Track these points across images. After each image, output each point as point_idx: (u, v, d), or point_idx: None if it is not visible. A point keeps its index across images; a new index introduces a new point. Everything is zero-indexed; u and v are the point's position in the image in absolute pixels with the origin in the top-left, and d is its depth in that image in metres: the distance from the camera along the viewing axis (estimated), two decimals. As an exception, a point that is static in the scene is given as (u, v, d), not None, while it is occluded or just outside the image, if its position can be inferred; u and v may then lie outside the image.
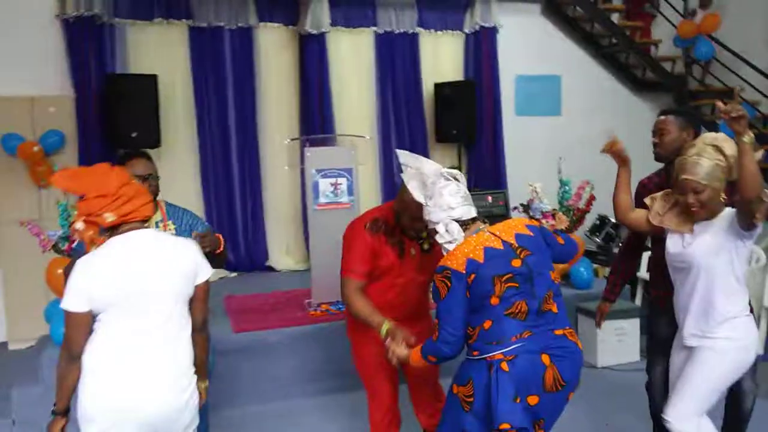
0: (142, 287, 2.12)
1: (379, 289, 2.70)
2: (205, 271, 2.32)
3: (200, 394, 2.32)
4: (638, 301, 5.75)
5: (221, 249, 2.91)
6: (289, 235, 6.85)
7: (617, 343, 4.76)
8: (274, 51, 6.80)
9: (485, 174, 7.20)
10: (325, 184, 4.81)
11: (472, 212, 2.32)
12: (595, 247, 6.61)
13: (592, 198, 5.38)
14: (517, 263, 2.20)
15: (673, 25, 7.54)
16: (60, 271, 3.69)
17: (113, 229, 2.17)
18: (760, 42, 7.49)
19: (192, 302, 2.29)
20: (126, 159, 2.83)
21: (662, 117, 2.97)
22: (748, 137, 2.26)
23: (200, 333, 2.35)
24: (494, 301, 2.17)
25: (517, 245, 2.24)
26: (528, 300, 2.18)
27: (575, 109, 7.81)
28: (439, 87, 7.08)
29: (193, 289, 2.27)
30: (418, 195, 2.40)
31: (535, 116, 7.67)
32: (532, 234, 2.31)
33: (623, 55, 8.04)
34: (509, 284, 2.17)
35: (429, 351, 2.28)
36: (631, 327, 4.81)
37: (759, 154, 2.46)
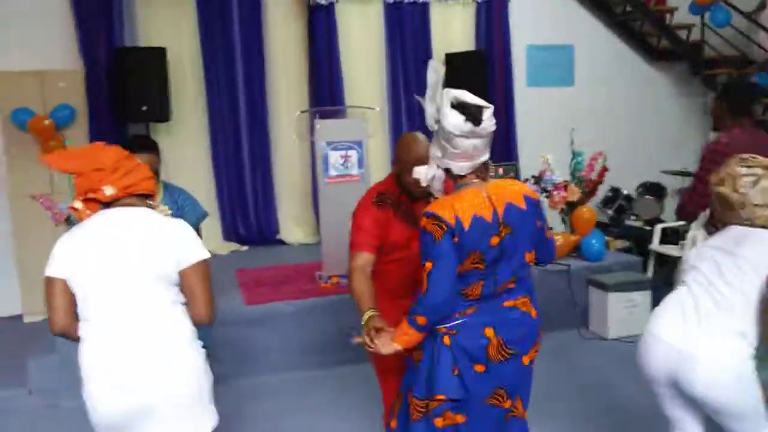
0: (115, 261, 2.01)
1: (395, 264, 2.66)
2: (194, 253, 2.10)
3: None
4: (650, 273, 5.72)
5: None
6: (299, 208, 6.85)
7: (627, 315, 4.76)
8: (283, 22, 6.73)
9: (496, 145, 7.12)
10: (335, 157, 4.79)
11: (465, 169, 2.16)
12: (607, 219, 6.58)
13: (604, 169, 5.33)
14: (494, 241, 2.10)
15: (690, -9, 7.37)
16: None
17: (112, 205, 2.09)
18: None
19: (186, 288, 2.09)
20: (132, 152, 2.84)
21: None
22: None
23: (205, 323, 2.14)
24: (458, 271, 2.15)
25: (502, 219, 2.12)
26: (485, 282, 2.13)
27: (588, 79, 7.69)
28: (449, 57, 6.99)
29: (177, 273, 2.08)
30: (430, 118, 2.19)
31: (547, 87, 7.57)
32: (524, 208, 2.17)
33: (637, 23, 7.88)
34: (476, 265, 2.10)
35: (418, 309, 2.10)
36: (642, 299, 4.80)
37: None
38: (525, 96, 7.36)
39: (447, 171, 2.20)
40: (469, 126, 2.08)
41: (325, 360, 4.31)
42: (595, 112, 7.38)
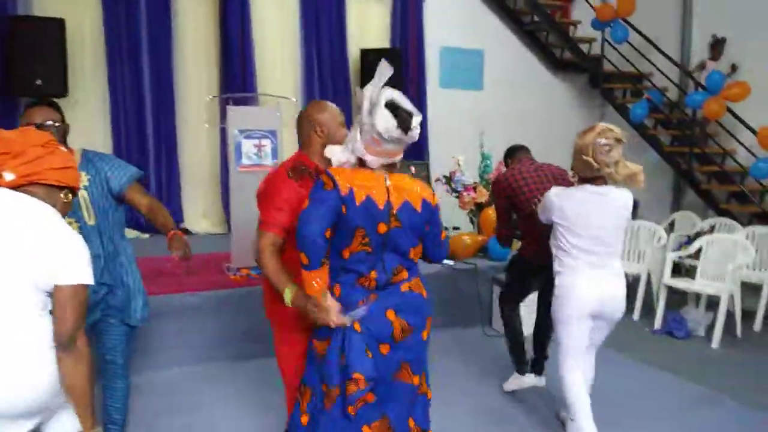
0: None
1: None
2: (74, 273, 1.87)
3: None
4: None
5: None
6: (207, 196, 6.64)
7: (528, 313, 4.89)
8: (193, 2, 6.48)
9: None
10: (248, 145, 4.67)
11: (377, 163, 2.22)
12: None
13: (511, 172, 5.50)
14: (382, 228, 2.20)
15: (592, 7, 7.78)
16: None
17: None
18: (671, 28, 7.87)
19: (56, 304, 1.86)
20: (25, 109, 2.61)
21: None
22: None
23: (65, 350, 1.86)
24: (346, 253, 2.20)
25: (395, 213, 2.21)
26: (377, 271, 2.23)
27: (496, 84, 7.95)
28: (365, 53, 7.00)
29: (50, 286, 1.85)
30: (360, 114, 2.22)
31: (458, 89, 7.75)
32: (420, 210, 2.27)
33: (544, 34, 8.24)
34: (363, 247, 2.19)
35: (298, 247, 2.14)
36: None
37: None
38: (437, 96, 7.52)
39: (359, 159, 2.24)
40: (398, 132, 2.14)
41: (233, 353, 4.19)
42: (502, 116, 7.63)
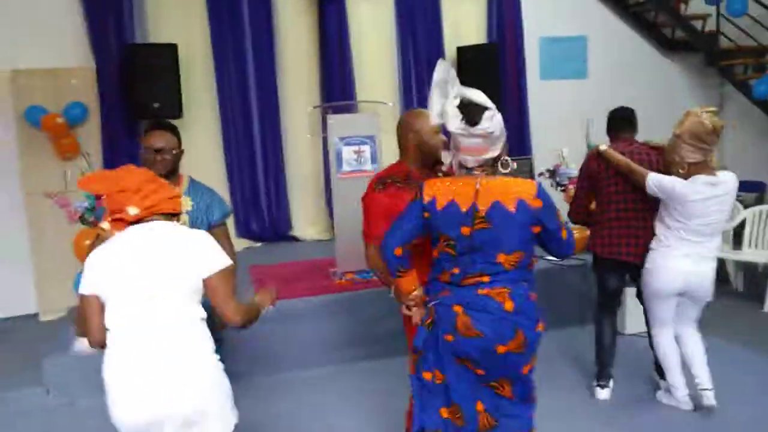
0: (140, 274, 2.05)
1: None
2: (215, 262, 2.12)
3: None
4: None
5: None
6: (312, 204, 6.83)
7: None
8: (293, 16, 6.69)
9: (510, 140, 7.03)
10: (348, 152, 4.77)
11: (471, 162, 2.24)
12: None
13: (620, 162, 5.25)
14: (465, 231, 2.20)
15: (705, -19, 7.27)
16: (87, 242, 3.73)
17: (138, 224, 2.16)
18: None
19: (210, 296, 2.13)
20: (146, 131, 2.80)
21: None
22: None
23: (243, 326, 2.17)
24: (435, 252, 2.32)
25: (482, 215, 2.18)
26: (460, 268, 2.25)
27: (602, 71, 7.61)
28: (461, 51, 6.94)
29: (200, 283, 2.11)
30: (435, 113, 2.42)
31: (560, 80, 7.50)
32: (512, 211, 2.17)
33: (651, 14, 7.80)
34: (447, 249, 2.25)
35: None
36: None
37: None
38: (538, 89, 7.30)
39: (460, 163, 2.31)
40: (463, 125, 2.19)
41: (342, 356, 4.29)
42: (609, 103, 7.22)
